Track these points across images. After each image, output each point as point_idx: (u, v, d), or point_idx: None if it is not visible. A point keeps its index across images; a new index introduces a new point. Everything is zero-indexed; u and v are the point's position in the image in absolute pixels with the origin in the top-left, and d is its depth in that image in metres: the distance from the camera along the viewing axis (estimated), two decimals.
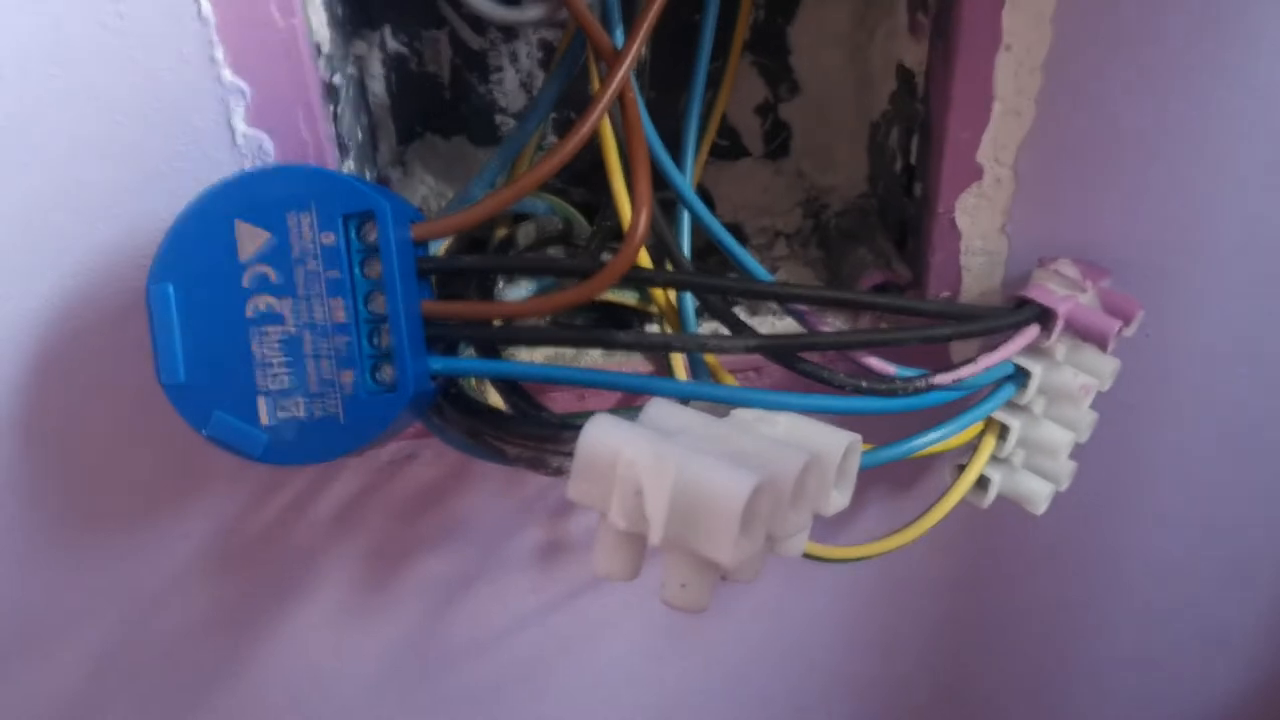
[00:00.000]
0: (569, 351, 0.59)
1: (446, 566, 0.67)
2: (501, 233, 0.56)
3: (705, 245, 0.54)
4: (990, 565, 0.73)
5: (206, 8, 0.46)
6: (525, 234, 0.56)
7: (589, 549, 0.67)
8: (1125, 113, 0.54)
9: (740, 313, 0.58)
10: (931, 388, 0.50)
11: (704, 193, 0.65)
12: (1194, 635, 0.78)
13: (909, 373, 0.51)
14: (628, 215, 0.49)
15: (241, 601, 0.67)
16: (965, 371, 0.51)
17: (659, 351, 0.57)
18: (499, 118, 0.64)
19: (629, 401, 0.58)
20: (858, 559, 0.58)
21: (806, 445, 0.43)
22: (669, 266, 0.53)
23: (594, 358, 0.58)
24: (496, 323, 0.51)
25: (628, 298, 0.57)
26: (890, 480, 0.66)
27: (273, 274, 0.44)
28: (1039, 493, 0.58)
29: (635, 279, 0.50)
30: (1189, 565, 0.74)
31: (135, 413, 0.56)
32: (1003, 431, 0.56)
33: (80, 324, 0.53)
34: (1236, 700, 0.82)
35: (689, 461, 0.40)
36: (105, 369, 0.55)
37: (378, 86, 0.62)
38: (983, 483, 0.58)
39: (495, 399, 0.53)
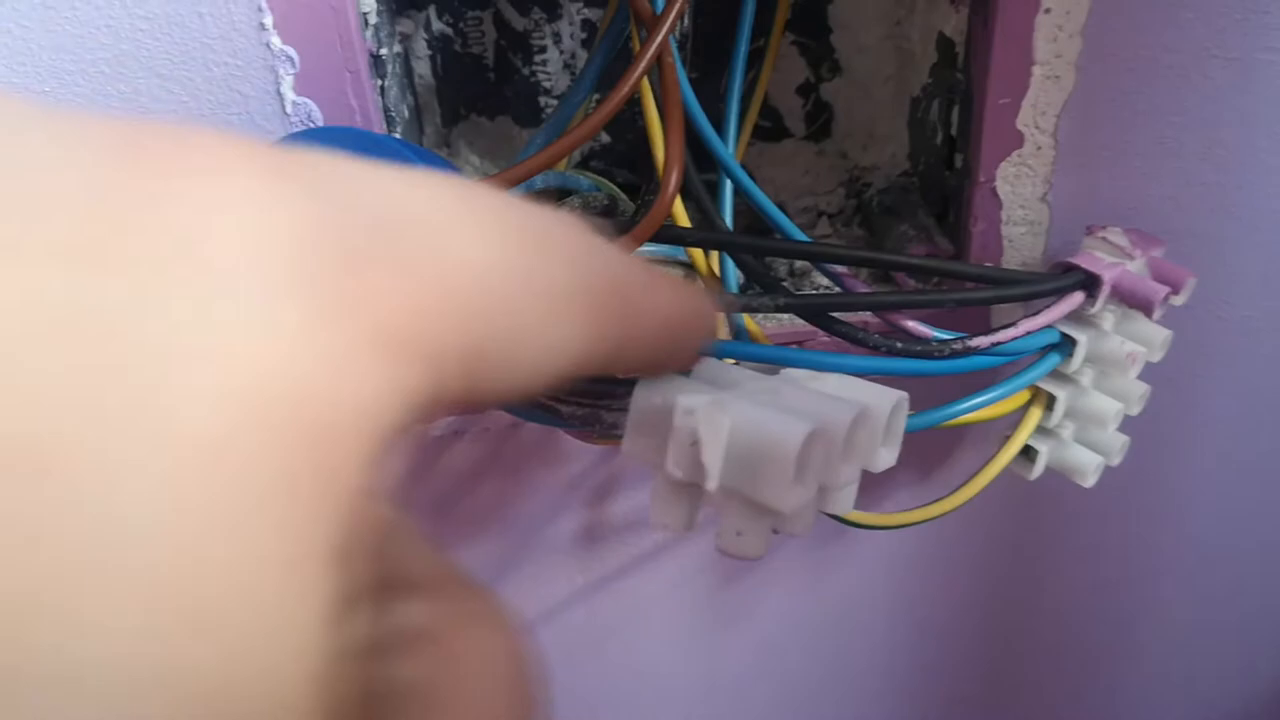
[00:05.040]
0: None
1: (493, 546, 0.68)
2: None
3: (748, 228, 0.55)
4: (1036, 544, 0.73)
5: None
6: (570, 209, 0.57)
7: (633, 529, 0.68)
8: (1165, 76, 0.54)
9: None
10: (969, 350, 0.50)
11: (747, 174, 0.66)
12: (1238, 617, 0.78)
13: (946, 335, 0.51)
14: None
15: None
16: (1004, 335, 0.51)
17: None
18: (543, 99, 0.64)
19: None
20: (901, 525, 0.58)
21: (856, 400, 0.43)
22: None
23: None
24: None
25: (674, 275, 0.58)
26: (938, 452, 0.66)
27: None
28: (1088, 464, 0.58)
29: (669, 238, 0.50)
30: (1232, 545, 0.74)
31: None
32: (1050, 402, 0.56)
33: None
34: (1268, 682, 0.82)
35: (744, 410, 0.40)
36: None
37: (423, 67, 0.62)
38: (1031, 454, 0.58)
39: None
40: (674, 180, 0.47)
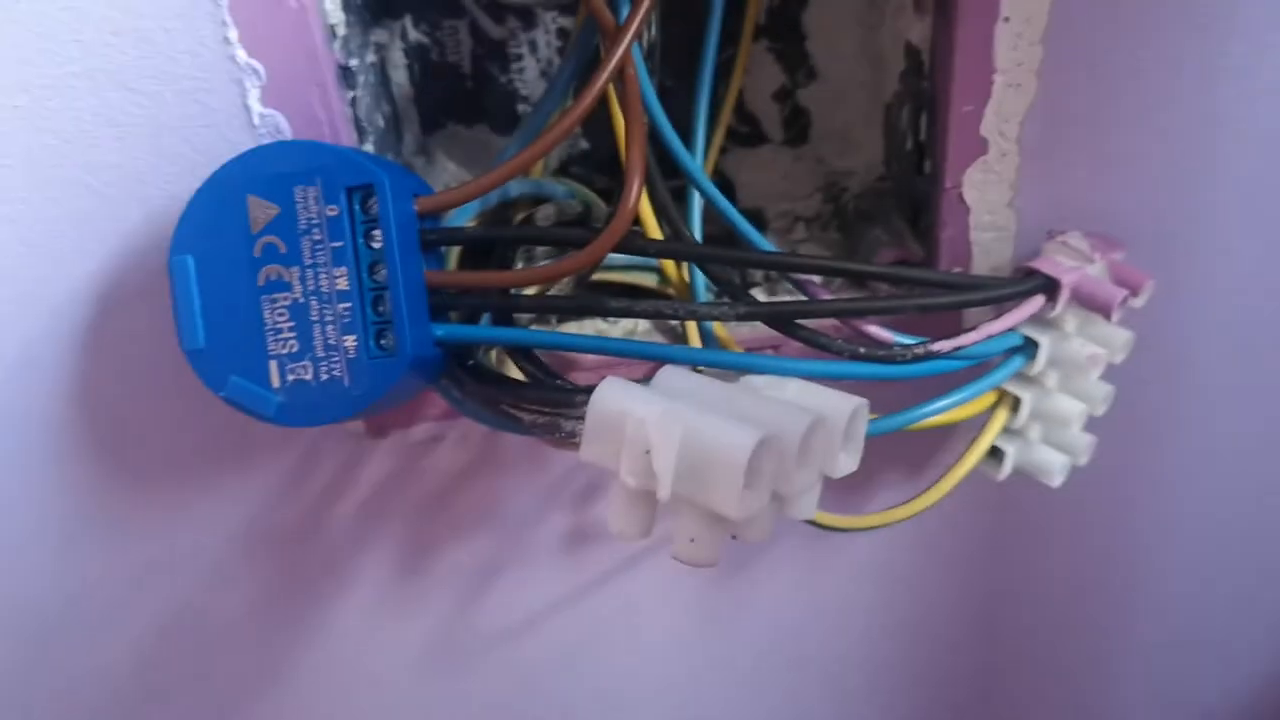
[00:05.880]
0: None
1: (476, 551, 0.69)
2: (520, 216, 0.58)
3: (722, 235, 0.56)
4: (1016, 547, 0.73)
5: None
6: (544, 216, 0.57)
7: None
8: (1126, 82, 0.55)
9: (759, 294, 0.59)
10: (930, 355, 0.51)
11: (725, 180, 0.66)
12: (1213, 615, 0.78)
13: (908, 340, 0.51)
14: None
15: (280, 590, 0.68)
16: (965, 339, 0.52)
17: (650, 318, 0.59)
18: (520, 106, 0.65)
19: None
20: (870, 528, 0.59)
21: (813, 408, 0.44)
22: None
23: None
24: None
25: (646, 280, 0.59)
26: (911, 457, 0.67)
27: (281, 244, 0.46)
28: (1054, 465, 0.59)
29: (632, 248, 0.51)
30: (1205, 543, 0.74)
31: (168, 386, 0.58)
32: (1015, 404, 0.57)
33: (112, 303, 0.55)
34: (1259, 682, 0.82)
35: (695, 419, 0.41)
36: (136, 346, 0.56)
37: (400, 76, 0.63)
38: (999, 455, 0.59)
39: (514, 372, 0.54)
40: (633, 193, 0.47)
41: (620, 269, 0.58)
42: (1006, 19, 0.52)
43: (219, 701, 0.72)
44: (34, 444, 0.59)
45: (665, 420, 0.41)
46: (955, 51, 0.53)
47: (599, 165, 0.66)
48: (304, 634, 0.70)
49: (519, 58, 0.64)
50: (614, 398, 0.43)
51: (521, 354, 0.53)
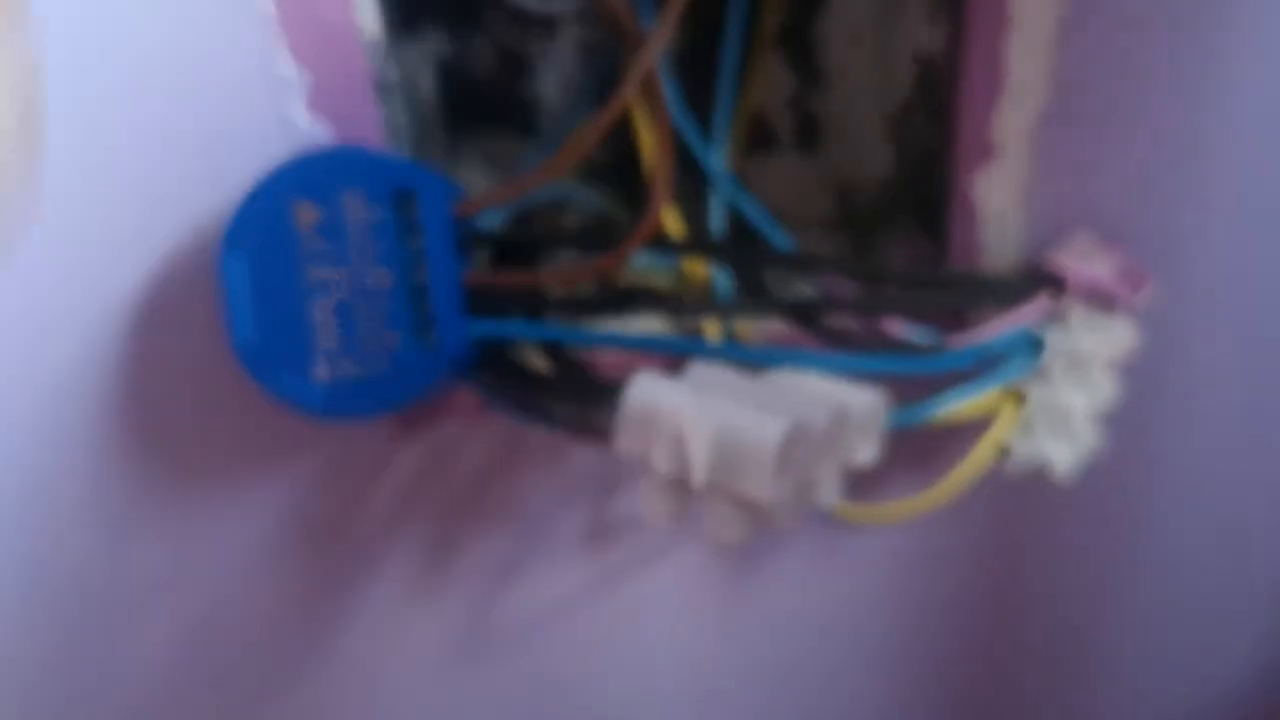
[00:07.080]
0: None
1: (499, 547, 0.70)
2: (547, 220, 0.59)
3: (737, 236, 0.58)
4: (1018, 540, 0.74)
5: (268, 1, 0.49)
6: (570, 220, 0.59)
7: (634, 527, 0.70)
8: (1136, 86, 0.56)
9: None
10: (945, 351, 0.53)
11: (737, 185, 0.68)
12: (1198, 621, 0.79)
13: (923, 337, 0.53)
14: None
15: (310, 584, 0.69)
16: (977, 335, 0.54)
17: (678, 314, 0.60)
18: (541, 115, 0.67)
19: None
20: (888, 520, 0.61)
21: (835, 399, 0.46)
22: None
23: None
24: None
25: (662, 280, 0.60)
26: (921, 456, 0.68)
27: (327, 246, 0.48)
28: (1059, 460, 0.60)
29: (658, 248, 0.53)
30: (1199, 550, 0.75)
31: (207, 387, 0.59)
32: (1022, 399, 0.59)
33: (156, 306, 0.56)
34: (1267, 678, 0.83)
35: (728, 409, 0.43)
36: (179, 348, 0.58)
37: (425, 86, 0.64)
38: (1005, 451, 0.61)
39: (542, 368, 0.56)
40: (660, 197, 0.49)
41: (640, 269, 0.60)
42: (1019, 25, 0.53)
43: (253, 693, 0.73)
44: (80, 439, 0.60)
45: (700, 410, 0.43)
46: (967, 58, 0.54)
47: (608, 170, 0.67)
48: (333, 627, 0.71)
49: (540, 67, 0.65)
50: (649, 390, 0.45)
51: (552, 352, 0.55)
